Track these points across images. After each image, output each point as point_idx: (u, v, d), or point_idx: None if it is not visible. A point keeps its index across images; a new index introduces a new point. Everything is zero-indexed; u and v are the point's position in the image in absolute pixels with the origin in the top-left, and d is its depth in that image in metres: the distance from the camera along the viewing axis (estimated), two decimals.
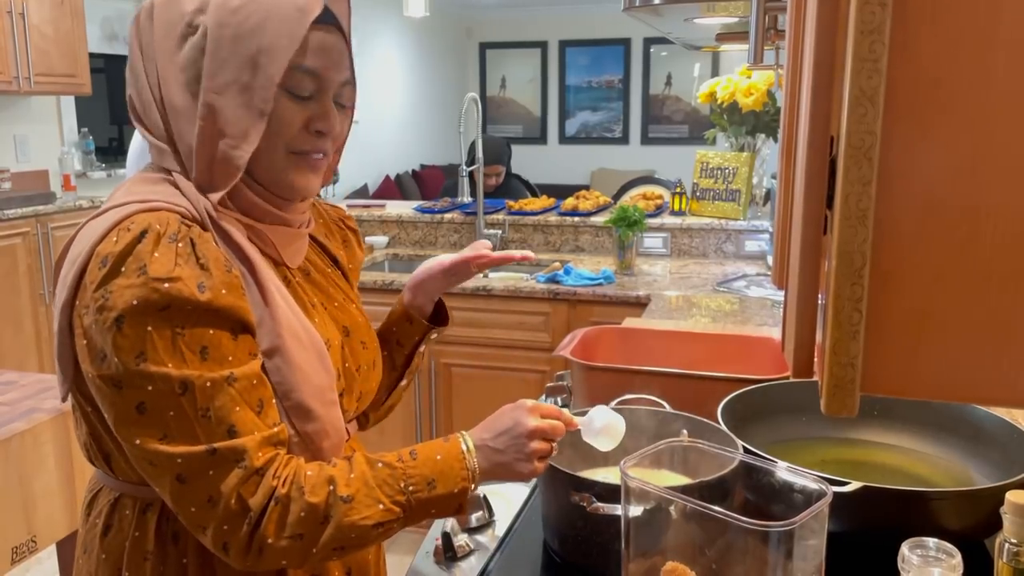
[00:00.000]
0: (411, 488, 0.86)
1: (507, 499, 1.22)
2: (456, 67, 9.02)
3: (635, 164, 8.48)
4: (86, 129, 4.68)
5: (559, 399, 1.62)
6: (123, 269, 0.77)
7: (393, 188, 7.24)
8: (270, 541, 0.80)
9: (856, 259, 0.47)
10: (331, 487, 0.83)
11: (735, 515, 0.72)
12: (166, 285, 0.77)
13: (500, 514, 1.17)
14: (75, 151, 4.57)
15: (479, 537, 1.13)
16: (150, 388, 0.77)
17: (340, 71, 0.90)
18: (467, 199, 3.18)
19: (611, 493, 0.97)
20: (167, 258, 0.78)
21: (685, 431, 1.19)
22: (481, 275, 3.22)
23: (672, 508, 0.81)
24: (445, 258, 1.18)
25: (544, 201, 3.56)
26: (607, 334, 1.65)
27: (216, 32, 0.83)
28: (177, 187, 0.86)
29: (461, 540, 1.10)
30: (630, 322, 2.27)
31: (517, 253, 1.17)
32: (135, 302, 0.76)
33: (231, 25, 0.83)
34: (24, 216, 3.75)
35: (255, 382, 0.83)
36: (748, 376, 1.34)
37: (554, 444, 0.95)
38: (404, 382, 1.20)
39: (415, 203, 3.83)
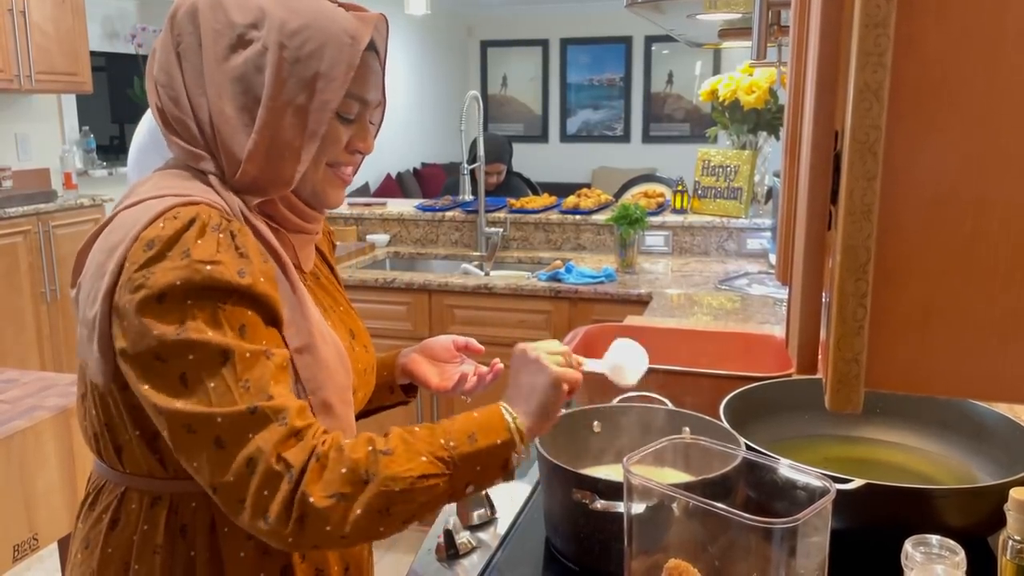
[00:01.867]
0: (452, 444, 0.84)
1: (509, 496, 1.22)
2: (457, 65, 9.01)
3: (636, 162, 8.48)
4: (87, 127, 4.68)
5: None
6: (169, 253, 0.79)
7: (394, 186, 7.24)
8: (312, 500, 0.77)
9: (861, 254, 0.47)
10: (371, 446, 0.81)
11: (738, 512, 0.71)
12: (208, 267, 0.79)
13: (502, 511, 1.17)
14: (76, 149, 4.57)
15: (481, 535, 1.12)
16: (191, 357, 0.78)
17: (377, 93, 0.96)
18: (468, 197, 3.18)
19: (613, 490, 0.97)
20: (210, 244, 0.81)
21: (687, 428, 1.19)
22: (483, 273, 3.22)
23: (675, 505, 0.81)
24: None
25: (545, 199, 3.55)
26: (609, 332, 1.64)
27: (276, 53, 0.86)
28: (210, 185, 0.88)
29: (463, 537, 1.10)
30: (632, 320, 2.26)
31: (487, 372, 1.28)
32: (178, 282, 0.78)
33: (290, 48, 0.87)
34: (25, 215, 3.75)
35: (285, 366, 0.84)
36: (750, 374, 1.33)
37: (576, 363, 1.01)
38: None
39: (416, 201, 3.83)
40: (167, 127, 0.91)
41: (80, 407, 0.93)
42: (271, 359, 0.81)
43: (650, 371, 1.40)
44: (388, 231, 3.57)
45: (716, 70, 8.01)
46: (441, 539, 1.10)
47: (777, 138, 3.20)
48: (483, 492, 1.17)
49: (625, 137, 8.90)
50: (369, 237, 3.48)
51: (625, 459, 0.84)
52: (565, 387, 0.94)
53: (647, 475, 0.98)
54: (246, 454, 0.77)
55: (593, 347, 1.57)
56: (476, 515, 1.15)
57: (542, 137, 9.13)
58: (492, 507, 1.16)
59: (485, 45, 9.16)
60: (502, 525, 1.15)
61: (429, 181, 7.74)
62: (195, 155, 0.90)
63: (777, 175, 2.95)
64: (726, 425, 1.15)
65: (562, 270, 2.82)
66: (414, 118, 8.05)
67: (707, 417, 1.18)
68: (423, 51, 8.19)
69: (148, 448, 0.88)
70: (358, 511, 0.78)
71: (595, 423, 1.20)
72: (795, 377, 1.36)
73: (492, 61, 9.19)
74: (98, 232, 0.87)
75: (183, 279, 0.78)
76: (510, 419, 0.88)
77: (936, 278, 0.47)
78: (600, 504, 0.95)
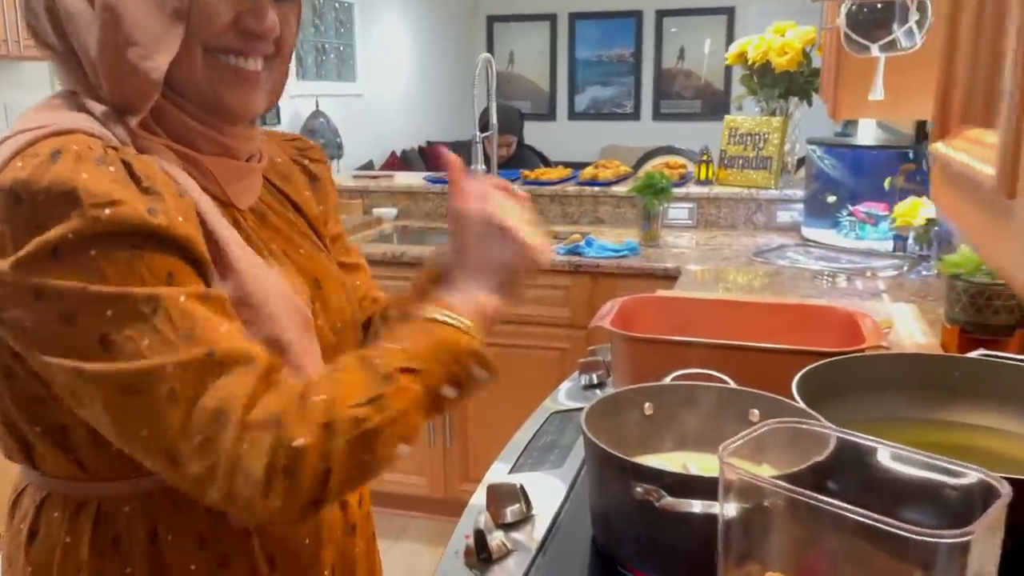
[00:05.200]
0: (405, 344, 0.70)
1: (548, 487, 1.05)
2: (463, 41, 8.79)
3: (647, 140, 8.25)
4: None
5: (595, 376, 1.45)
6: (44, 199, 0.60)
7: (399, 165, 7.06)
8: (296, 444, 0.61)
9: None
10: (330, 371, 0.69)
11: (892, 521, 0.54)
12: (106, 211, 0.60)
13: (539, 507, 1.00)
14: None
15: (516, 535, 0.96)
16: (110, 313, 0.60)
17: None
18: (481, 168, 3.00)
19: (682, 485, 0.80)
20: (100, 180, 0.61)
21: (756, 411, 1.02)
22: None
23: (774, 503, 0.64)
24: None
25: (561, 171, 3.37)
26: (648, 304, 1.47)
27: None
28: (90, 112, 0.69)
29: (496, 538, 0.93)
30: (664, 294, 2.09)
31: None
32: (70, 234, 0.59)
33: None
34: None
35: (229, 308, 0.67)
36: (824, 349, 1.16)
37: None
38: None
39: (425, 173, 3.65)
40: (36, 40, 0.72)
41: None
42: (210, 301, 0.65)
43: (705, 347, 1.22)
44: (396, 204, 3.39)
45: (729, 43, 7.81)
46: (470, 540, 0.94)
47: (809, 104, 3.01)
48: (516, 485, 1.00)
49: (635, 115, 8.69)
50: (376, 210, 3.30)
51: (722, 448, 0.67)
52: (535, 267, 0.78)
53: (715, 467, 0.81)
54: (212, 407, 0.61)
55: (632, 320, 1.39)
56: (509, 512, 0.98)
57: (550, 115, 8.91)
58: (528, 502, 1.00)
59: (491, 20, 8.93)
60: (540, 523, 0.98)
61: (435, 160, 7.55)
62: (66, 71, 0.71)
63: (811, 143, 2.77)
64: (802, 405, 0.98)
65: (582, 243, 2.65)
66: (419, 95, 7.85)
67: (778, 396, 1.01)
68: (428, 26, 7.97)
69: (57, 447, 0.70)
70: (339, 441, 0.63)
71: (646, 404, 1.03)
72: (868, 353, 1.19)
73: (499, 36, 8.96)
74: None
75: (75, 229, 0.60)
76: (454, 311, 0.73)
77: None
78: (667, 502, 0.78)
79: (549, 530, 0.97)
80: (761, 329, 1.37)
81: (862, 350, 1.20)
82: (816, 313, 1.39)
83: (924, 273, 2.22)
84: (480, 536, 0.92)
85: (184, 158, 0.72)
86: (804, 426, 0.77)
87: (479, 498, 1.01)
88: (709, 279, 2.30)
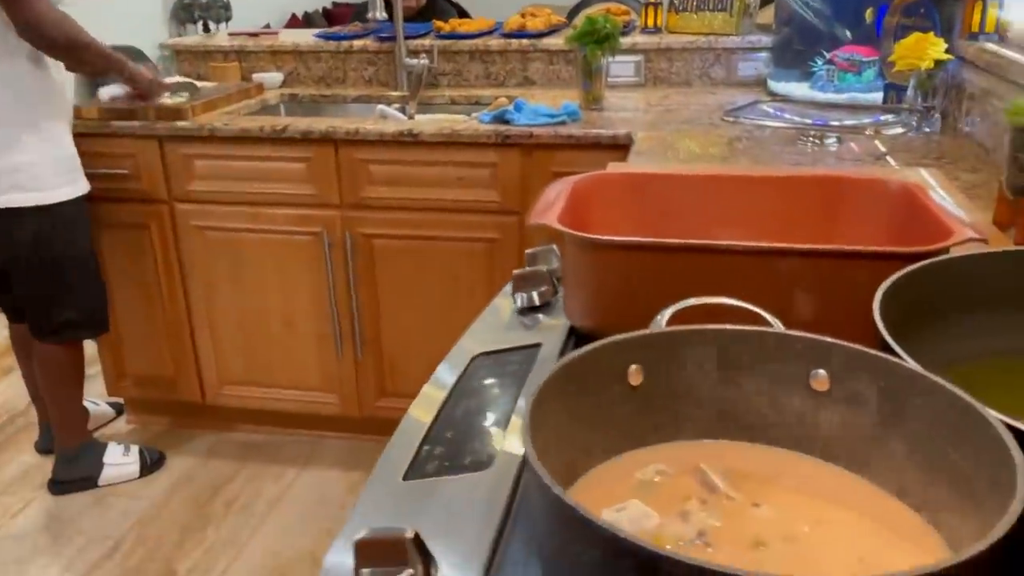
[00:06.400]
0: None
1: (463, 524, 0.61)
2: None
3: None
4: None
5: (535, 294, 1.00)
6: None
7: (301, 28, 6.25)
8: None
9: None
10: None
11: None
12: None
13: (451, 569, 0.57)
14: None
15: None
16: None
17: None
18: (381, 15, 2.41)
19: None
20: None
21: (822, 370, 0.59)
22: (406, 117, 2.51)
23: None
24: None
25: (482, 22, 2.80)
26: (609, 185, 1.01)
27: None
28: None
29: None
30: (616, 168, 1.62)
31: None
32: None
33: None
34: None
35: None
36: (911, 249, 0.72)
37: None
38: None
39: (316, 30, 3.02)
40: None
41: None
42: None
43: (718, 254, 0.78)
44: (281, 67, 2.78)
45: None
46: None
47: None
48: (407, 533, 0.55)
49: None
50: (256, 76, 2.69)
51: None
52: None
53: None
54: None
55: (588, 210, 0.93)
56: None
57: None
58: (428, 559, 0.56)
59: None
60: None
61: (342, 23, 6.73)
62: None
63: None
64: (913, 364, 0.55)
65: (510, 108, 2.14)
66: None
67: (856, 346, 0.57)
68: None
69: None
70: None
71: (632, 368, 0.59)
72: (966, 253, 0.76)
73: None
74: None
75: None
76: None
77: None
78: None
79: None
80: (778, 217, 0.93)
81: (946, 249, 0.77)
82: (856, 189, 0.95)
83: (927, 130, 1.81)
84: None
85: None
86: None
87: (338, 559, 0.56)
88: (670, 146, 1.84)
